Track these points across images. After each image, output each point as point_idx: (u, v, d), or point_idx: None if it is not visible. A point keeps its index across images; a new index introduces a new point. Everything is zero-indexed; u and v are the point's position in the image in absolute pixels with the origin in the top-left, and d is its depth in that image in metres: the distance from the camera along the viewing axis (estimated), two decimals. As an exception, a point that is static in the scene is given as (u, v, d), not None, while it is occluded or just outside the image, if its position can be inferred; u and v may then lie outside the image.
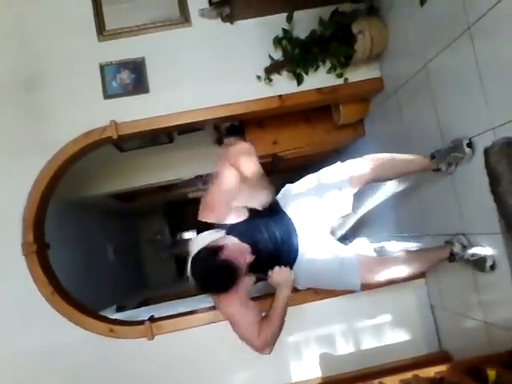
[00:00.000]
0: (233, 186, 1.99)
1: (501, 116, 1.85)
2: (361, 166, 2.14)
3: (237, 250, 1.87)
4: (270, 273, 1.99)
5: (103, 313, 3.37)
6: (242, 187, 2.01)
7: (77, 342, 2.65)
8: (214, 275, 1.81)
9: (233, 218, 2.00)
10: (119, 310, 4.84)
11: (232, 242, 1.90)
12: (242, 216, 2.02)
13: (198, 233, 2.01)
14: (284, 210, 2.13)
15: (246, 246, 1.92)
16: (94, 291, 4.73)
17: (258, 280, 2.09)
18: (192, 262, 1.86)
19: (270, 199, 2.09)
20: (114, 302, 5.02)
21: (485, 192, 2.00)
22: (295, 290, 2.20)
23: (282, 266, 2.00)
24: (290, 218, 2.10)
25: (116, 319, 2.87)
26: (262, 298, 2.56)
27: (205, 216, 2.00)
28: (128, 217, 7.90)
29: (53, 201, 2.90)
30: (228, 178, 1.99)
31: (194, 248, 1.90)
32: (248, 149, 2.07)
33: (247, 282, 2.02)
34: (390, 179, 2.47)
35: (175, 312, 2.90)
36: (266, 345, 1.95)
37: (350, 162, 2.16)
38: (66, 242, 4.38)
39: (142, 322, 2.69)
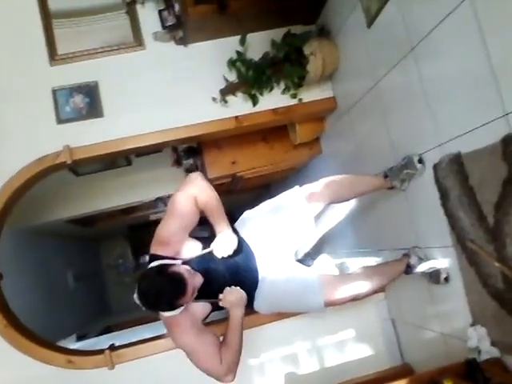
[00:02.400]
0: (188, 211, 1.95)
1: (447, 133, 1.91)
2: (319, 188, 2.17)
3: (183, 268, 1.84)
4: (220, 296, 1.96)
5: (63, 342, 3.29)
6: (197, 215, 1.98)
7: (33, 376, 2.55)
8: (162, 287, 1.77)
9: (189, 252, 1.98)
10: (80, 338, 4.69)
11: (179, 264, 1.89)
12: (196, 248, 2.00)
13: None
14: (241, 235, 2.13)
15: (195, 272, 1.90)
16: (53, 320, 4.59)
17: (214, 309, 2.05)
18: (139, 279, 1.83)
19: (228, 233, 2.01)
20: (76, 331, 4.87)
21: (436, 206, 2.06)
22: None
23: (232, 286, 1.97)
24: (247, 244, 2.10)
25: (74, 349, 2.78)
26: (218, 322, 2.52)
27: (159, 250, 1.96)
28: (88, 241, 7.72)
29: (7, 229, 2.80)
30: (183, 202, 1.95)
31: None
32: (200, 178, 2.02)
33: (201, 310, 1.99)
34: (347, 200, 2.52)
35: (139, 338, 2.83)
36: (230, 371, 1.91)
37: (307, 186, 2.19)
38: (23, 270, 4.25)
39: (101, 351, 2.61)
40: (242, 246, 2.03)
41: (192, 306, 1.96)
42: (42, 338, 2.69)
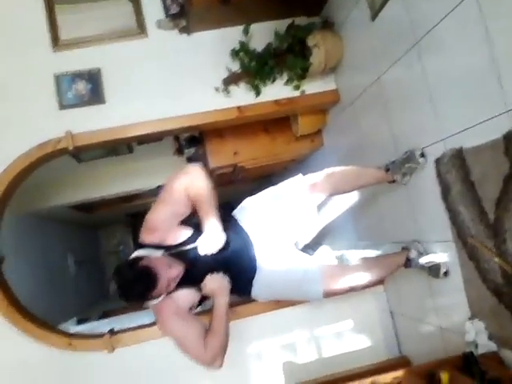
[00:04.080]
0: (177, 200, 1.94)
1: (449, 127, 1.91)
2: (321, 178, 2.17)
3: (159, 261, 1.85)
4: (202, 283, 1.95)
5: (64, 326, 3.31)
6: (187, 206, 1.98)
7: (34, 356, 2.58)
8: (131, 281, 1.79)
9: (175, 238, 1.98)
10: (80, 322, 4.71)
11: (156, 256, 1.89)
12: (186, 235, 2.00)
13: None
14: (240, 223, 2.13)
15: (172, 260, 1.90)
16: (54, 304, 4.62)
17: (205, 298, 2.06)
18: (113, 273, 1.86)
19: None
20: (76, 315, 4.89)
21: (437, 200, 2.06)
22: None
23: (215, 273, 1.96)
24: (245, 231, 2.10)
25: (75, 333, 2.80)
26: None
27: (146, 237, 1.97)
28: (89, 228, 7.75)
29: (9, 213, 2.82)
30: (173, 190, 1.95)
31: None
32: (198, 169, 2.00)
33: (187, 298, 2.00)
34: (349, 191, 2.52)
35: (138, 323, 2.86)
36: (215, 358, 1.91)
37: (309, 176, 2.18)
38: (24, 254, 4.27)
39: (101, 335, 2.64)
40: (229, 243, 1.99)
41: (177, 293, 1.96)
42: (43, 320, 2.71)
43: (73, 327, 3.84)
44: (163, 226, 1.95)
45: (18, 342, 2.56)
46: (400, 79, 2.23)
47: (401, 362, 2.71)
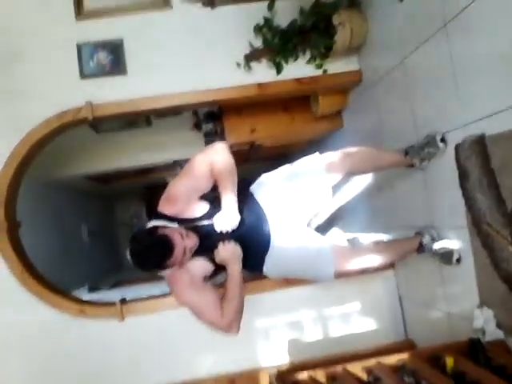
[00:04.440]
0: (201, 174, 1.96)
1: (472, 113, 1.89)
2: (339, 158, 2.16)
3: (176, 231, 1.86)
4: (215, 251, 1.96)
5: (75, 293, 3.38)
6: (210, 181, 1.99)
7: (46, 321, 2.65)
8: (149, 248, 1.81)
9: (193, 212, 1.99)
10: (92, 290, 4.82)
11: (173, 226, 1.91)
12: (203, 210, 2.01)
13: None
14: (256, 198, 2.14)
15: (188, 231, 1.92)
16: (67, 271, 4.70)
17: (218, 269, 2.07)
18: (129, 240, 1.87)
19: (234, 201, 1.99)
20: (87, 283, 5.00)
21: (454, 187, 2.05)
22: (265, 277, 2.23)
23: (226, 242, 1.97)
24: (261, 207, 2.11)
25: (87, 300, 2.87)
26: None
27: (165, 208, 1.98)
28: (104, 199, 7.83)
29: (26, 180, 2.87)
30: (198, 164, 1.96)
31: None
32: (225, 148, 2.00)
33: (201, 267, 2.02)
34: (366, 173, 2.51)
35: (147, 295, 2.91)
36: (231, 324, 1.94)
37: (327, 154, 2.17)
38: (40, 221, 4.35)
39: (113, 304, 2.70)
40: (244, 221, 2.00)
41: (191, 264, 1.98)
42: (56, 286, 2.78)
43: (84, 295, 3.94)
44: (184, 198, 1.97)
45: (32, 306, 2.63)
46: (425, 62, 2.20)
47: (406, 345, 2.74)
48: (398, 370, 1.81)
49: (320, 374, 1.84)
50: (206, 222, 1.98)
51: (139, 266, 1.86)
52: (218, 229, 1.95)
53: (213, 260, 2.00)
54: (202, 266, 2.02)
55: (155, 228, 1.88)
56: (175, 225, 1.93)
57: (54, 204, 5.14)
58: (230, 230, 1.95)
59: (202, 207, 2.02)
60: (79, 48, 2.74)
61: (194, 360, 2.72)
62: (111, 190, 6.82)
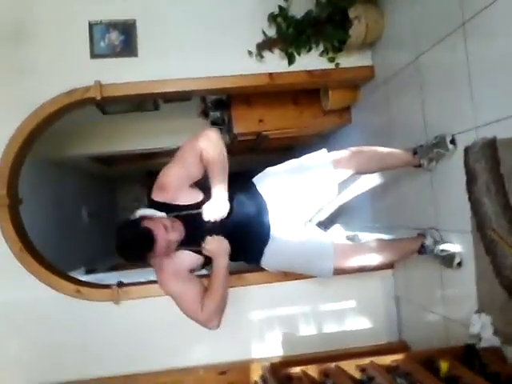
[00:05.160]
0: (191, 161, 1.94)
1: (485, 116, 1.86)
2: (347, 155, 2.14)
3: (161, 223, 1.84)
4: (203, 244, 1.94)
5: (72, 274, 3.35)
6: (200, 168, 1.97)
7: (41, 299, 2.64)
8: (129, 241, 1.82)
9: (185, 199, 1.98)
10: (89, 272, 4.82)
11: (160, 216, 1.90)
12: (196, 198, 2.00)
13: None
14: (258, 189, 2.12)
15: (175, 222, 1.91)
16: (65, 251, 4.69)
17: (208, 262, 2.04)
18: (115, 231, 1.89)
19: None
20: (85, 265, 4.99)
21: (461, 190, 2.03)
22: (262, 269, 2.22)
23: (214, 235, 1.94)
24: (262, 198, 2.09)
25: (84, 280, 2.85)
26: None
27: (157, 195, 1.98)
28: (107, 182, 7.82)
29: (31, 157, 2.85)
30: (188, 152, 1.95)
31: None
32: (215, 134, 1.97)
33: (189, 259, 2.01)
34: (373, 172, 2.48)
35: (146, 279, 2.90)
36: (211, 317, 1.94)
37: (335, 152, 2.16)
38: (40, 199, 4.33)
39: (109, 286, 2.69)
40: (233, 211, 1.98)
41: (178, 254, 1.97)
42: (54, 265, 2.76)
43: (81, 276, 3.92)
44: (174, 185, 1.96)
45: (28, 283, 2.61)
46: (440, 61, 2.16)
47: (399, 347, 2.73)
48: (391, 370, 1.80)
49: (313, 370, 1.83)
50: (196, 211, 1.95)
51: (123, 257, 1.88)
52: (206, 218, 1.93)
53: (201, 252, 1.98)
54: (189, 257, 2.01)
55: (140, 219, 1.87)
56: (164, 214, 1.92)
57: (56, 183, 5.13)
58: (218, 219, 1.93)
59: (195, 195, 2.01)
60: (91, 27, 2.70)
61: (185, 348, 2.71)
62: (114, 172, 6.81)
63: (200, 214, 1.94)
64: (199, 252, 1.98)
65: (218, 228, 1.96)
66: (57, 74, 2.68)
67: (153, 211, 1.93)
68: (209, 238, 1.93)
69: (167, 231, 1.84)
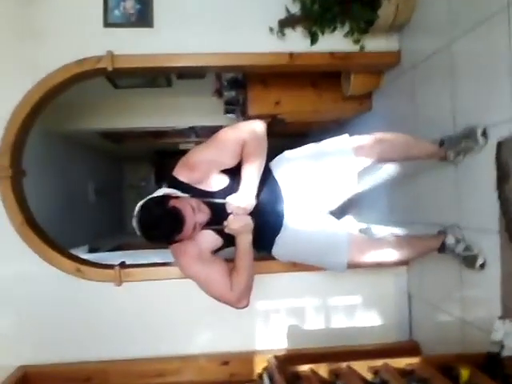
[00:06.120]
0: (230, 148, 1.85)
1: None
2: (370, 142, 2.01)
3: (188, 203, 1.75)
4: (225, 223, 1.83)
5: (74, 251, 3.27)
6: (236, 157, 1.87)
7: (40, 275, 2.55)
8: (158, 220, 1.70)
9: (210, 185, 1.88)
10: (92, 251, 4.74)
11: (186, 197, 1.80)
12: (221, 185, 1.89)
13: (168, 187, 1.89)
14: (274, 175, 2.01)
15: (200, 204, 1.81)
16: (68, 227, 4.62)
17: (227, 243, 1.96)
18: (139, 208, 1.75)
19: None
20: (88, 242, 4.91)
21: (489, 187, 1.91)
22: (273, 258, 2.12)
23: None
24: (278, 184, 1.98)
25: (85, 259, 2.75)
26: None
27: (182, 173, 1.87)
28: (115, 159, 7.74)
29: (38, 129, 2.76)
30: (230, 138, 1.86)
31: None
32: (262, 128, 1.89)
33: (210, 240, 1.91)
34: (396, 161, 2.35)
35: (150, 261, 2.80)
36: (242, 297, 1.86)
37: (357, 137, 2.03)
38: (45, 173, 4.24)
39: (111, 267, 2.59)
40: (257, 199, 1.89)
41: (200, 236, 1.88)
42: (55, 242, 2.67)
43: (84, 254, 3.84)
44: (204, 168, 1.85)
45: (26, 258, 2.52)
46: (477, 47, 2.00)
47: (410, 347, 2.64)
48: (405, 374, 1.69)
49: (323, 369, 1.72)
50: (219, 200, 1.85)
51: (146, 237, 1.75)
52: (229, 210, 1.83)
53: (221, 233, 1.88)
54: (210, 238, 1.91)
55: (166, 198, 1.76)
56: (186, 195, 1.81)
57: (61, 156, 5.03)
58: (241, 213, 1.82)
59: (221, 181, 1.90)
60: (106, -7, 2.57)
61: (187, 335, 2.62)
62: (122, 150, 6.72)
63: (223, 204, 1.84)
64: (220, 232, 1.89)
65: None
66: (68, 41, 2.55)
67: (176, 191, 1.82)
68: (231, 216, 1.83)
69: (194, 213, 1.74)
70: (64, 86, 2.63)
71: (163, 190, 1.83)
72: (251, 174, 1.84)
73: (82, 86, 2.75)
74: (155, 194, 1.81)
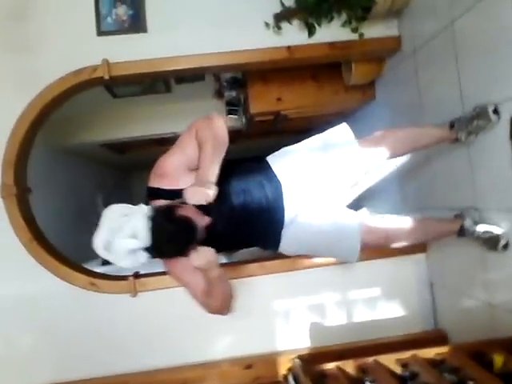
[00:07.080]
0: (190, 141, 1.80)
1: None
2: (375, 141, 2.00)
3: (190, 210, 1.69)
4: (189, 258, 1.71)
5: (88, 265, 3.23)
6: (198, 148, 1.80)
7: (53, 292, 2.51)
8: (173, 234, 1.64)
9: (188, 185, 1.75)
10: (105, 263, 4.69)
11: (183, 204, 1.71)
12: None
13: (149, 200, 1.84)
14: (273, 168, 1.96)
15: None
16: (80, 242, 4.56)
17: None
18: (149, 230, 1.62)
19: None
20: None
21: (505, 165, 1.85)
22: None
23: (199, 248, 1.70)
24: (277, 180, 1.93)
25: (98, 272, 2.72)
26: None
27: (158, 182, 1.83)
28: (121, 169, 7.71)
29: (41, 146, 2.74)
30: (186, 135, 1.83)
31: (104, 222, 1.80)
32: (217, 118, 1.82)
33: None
34: (407, 154, 2.31)
35: (162, 270, 2.76)
36: (220, 312, 1.94)
37: (362, 139, 2.00)
38: (52, 189, 4.20)
39: (125, 278, 2.55)
40: (251, 195, 1.86)
41: None
42: (66, 256, 2.64)
43: (97, 268, 3.79)
44: (177, 170, 1.81)
45: (39, 275, 2.48)
46: (480, 24, 1.94)
47: (436, 336, 2.55)
48: (436, 364, 1.63)
49: (349, 366, 1.67)
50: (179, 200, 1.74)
51: (159, 255, 1.72)
52: (189, 201, 1.68)
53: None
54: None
55: (171, 210, 1.69)
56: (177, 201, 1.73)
57: (67, 171, 4.99)
58: (204, 203, 1.67)
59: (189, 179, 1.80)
60: (97, 2, 2.53)
61: (208, 341, 2.57)
62: (127, 160, 6.68)
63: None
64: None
65: (225, 213, 1.83)
66: (63, 53, 2.52)
67: (165, 200, 1.77)
68: (194, 253, 1.69)
69: (200, 216, 1.72)
70: (62, 99, 2.60)
71: (159, 203, 1.76)
72: (207, 159, 1.73)
73: (81, 98, 2.72)
74: (146, 211, 1.68)
